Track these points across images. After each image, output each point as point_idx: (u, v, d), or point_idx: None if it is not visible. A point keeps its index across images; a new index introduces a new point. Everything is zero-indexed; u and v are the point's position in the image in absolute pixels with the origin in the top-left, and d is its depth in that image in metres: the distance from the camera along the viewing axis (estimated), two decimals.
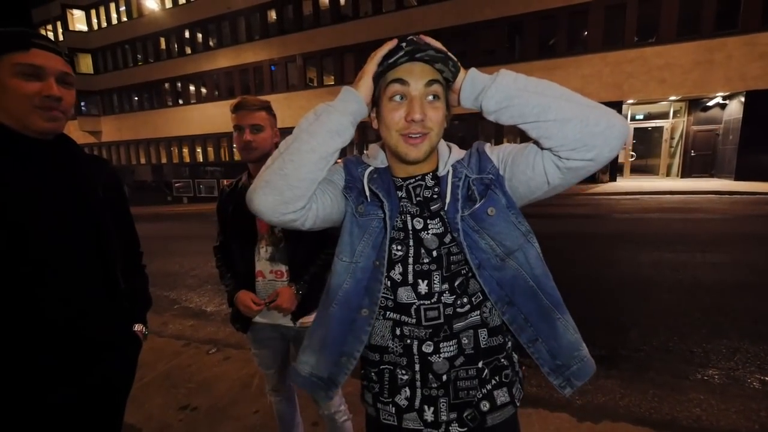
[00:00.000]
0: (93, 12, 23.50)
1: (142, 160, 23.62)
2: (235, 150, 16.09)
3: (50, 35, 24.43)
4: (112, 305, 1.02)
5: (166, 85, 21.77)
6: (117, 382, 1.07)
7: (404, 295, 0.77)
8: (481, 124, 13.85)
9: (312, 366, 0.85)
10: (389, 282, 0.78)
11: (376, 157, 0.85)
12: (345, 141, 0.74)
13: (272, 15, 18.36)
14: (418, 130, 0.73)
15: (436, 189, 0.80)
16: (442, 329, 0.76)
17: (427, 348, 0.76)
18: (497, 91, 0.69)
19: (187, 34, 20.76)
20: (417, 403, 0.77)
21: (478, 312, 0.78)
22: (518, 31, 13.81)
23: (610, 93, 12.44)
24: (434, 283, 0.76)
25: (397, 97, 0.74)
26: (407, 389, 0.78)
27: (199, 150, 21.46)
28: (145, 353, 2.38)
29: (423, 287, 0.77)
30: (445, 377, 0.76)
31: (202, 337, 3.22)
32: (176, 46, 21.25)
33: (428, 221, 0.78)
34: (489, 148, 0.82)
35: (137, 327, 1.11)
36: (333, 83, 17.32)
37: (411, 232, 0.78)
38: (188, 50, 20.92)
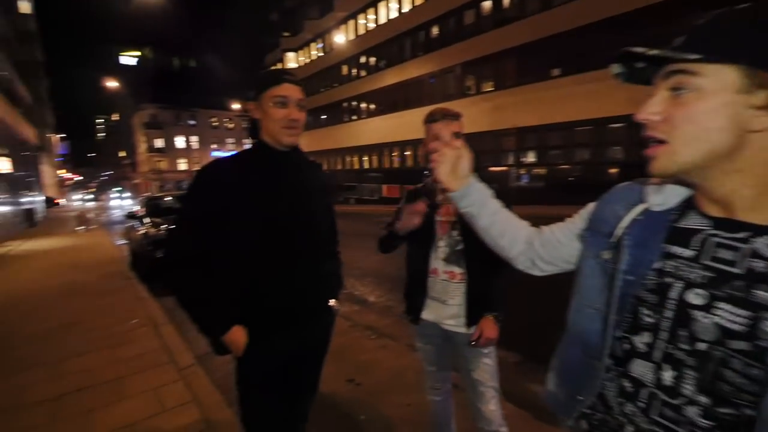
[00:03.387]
0: (300, 52, 30.26)
1: (324, 167, 28.75)
2: (406, 157, 17.35)
3: None
4: (318, 281, 1.28)
5: (344, 104, 25.89)
6: (319, 343, 1.36)
7: (640, 370, 0.60)
8: None
9: (554, 385, 0.81)
10: (628, 346, 0.62)
11: (662, 190, 0.62)
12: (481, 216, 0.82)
13: (434, 30, 19.34)
14: (650, 134, 0.54)
15: None
16: None
17: None
18: None
19: (362, 60, 24.15)
20: None
21: None
22: None
23: None
24: (684, 385, 0.54)
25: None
26: None
27: (365, 158, 24.57)
28: None
29: (667, 378, 0.56)
30: None
31: (365, 323, 3.65)
32: (354, 70, 25.03)
33: (720, 303, 0.51)
34: None
35: (332, 302, 1.35)
36: (492, 89, 16.88)
37: (674, 302, 0.56)
38: (362, 73, 24.31)
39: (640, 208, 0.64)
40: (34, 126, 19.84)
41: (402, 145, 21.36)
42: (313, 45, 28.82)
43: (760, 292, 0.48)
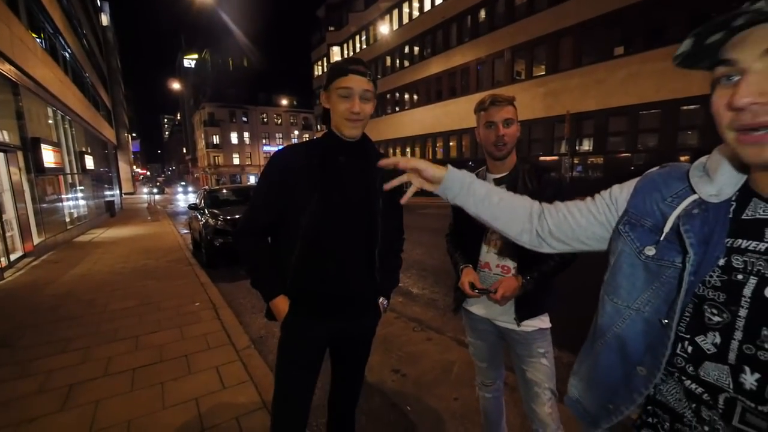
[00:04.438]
0: (345, 45, 30.56)
1: None
2: (450, 147, 17.15)
3: (319, 69, 33.60)
4: (369, 275, 1.27)
5: (388, 95, 25.79)
6: (360, 338, 1.36)
7: (714, 373, 0.54)
8: None
9: (579, 393, 0.77)
10: (691, 348, 0.57)
11: (713, 179, 0.58)
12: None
13: (482, 14, 18.49)
14: (760, 120, 0.47)
15: None
16: None
17: None
18: None
19: (407, 50, 23.84)
20: None
21: None
22: None
23: None
24: None
25: (728, 83, 0.50)
26: None
27: (408, 150, 24.41)
28: None
29: (750, 381, 0.51)
30: None
31: (409, 315, 3.65)
32: (398, 60, 24.81)
33: None
34: None
35: (381, 299, 1.33)
36: (543, 73, 15.84)
37: (749, 298, 0.52)
38: (406, 63, 24.00)
39: (690, 199, 0.60)
40: (113, 127, 22.24)
41: (446, 135, 20.89)
42: (357, 38, 28.95)
43: None
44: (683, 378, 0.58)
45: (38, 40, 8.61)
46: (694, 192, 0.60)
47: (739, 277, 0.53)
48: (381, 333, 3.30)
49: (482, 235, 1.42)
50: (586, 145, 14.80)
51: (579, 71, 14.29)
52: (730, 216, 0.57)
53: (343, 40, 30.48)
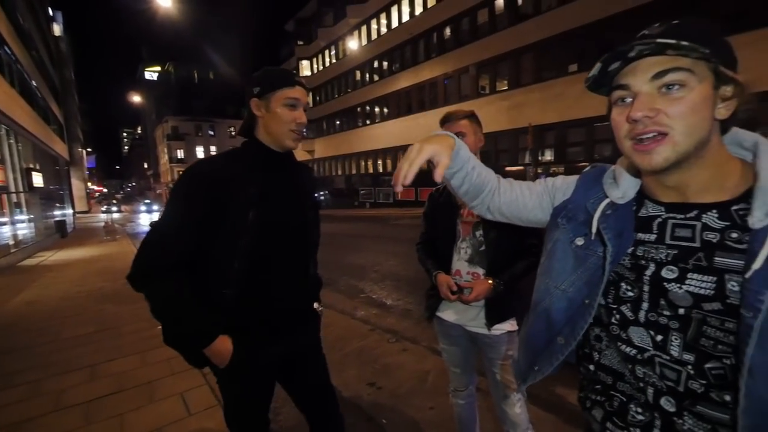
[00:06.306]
0: (314, 60, 30.74)
1: (339, 172, 29.05)
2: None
3: None
4: (308, 284, 1.26)
5: (359, 109, 26.07)
6: (310, 349, 1.32)
7: (638, 336, 0.65)
8: None
9: (517, 354, 0.90)
10: (619, 316, 0.68)
11: (618, 185, 0.71)
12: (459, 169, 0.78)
13: (447, 32, 19.26)
14: (649, 129, 0.58)
15: (735, 235, 0.57)
16: (689, 399, 0.60)
17: (668, 404, 0.62)
18: None
19: (376, 64, 24.31)
20: None
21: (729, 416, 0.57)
22: None
23: None
24: (672, 346, 0.60)
25: (623, 104, 0.62)
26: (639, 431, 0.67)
27: (380, 162, 24.65)
28: (343, 330, 2.78)
29: (657, 340, 0.63)
30: None
31: (384, 326, 3.64)
32: (368, 75, 25.21)
33: (690, 275, 0.59)
34: None
35: (316, 305, 1.32)
36: (507, 88, 16.65)
37: (649, 279, 0.63)
38: (376, 77, 24.44)
39: (605, 203, 0.72)
40: (65, 141, 20.90)
41: None
42: (326, 52, 29.19)
43: (718, 259, 0.57)
44: (619, 343, 0.69)
45: None
46: (607, 196, 0.72)
47: (642, 262, 0.65)
48: (356, 346, 3.27)
49: (453, 244, 1.46)
50: (548, 156, 15.60)
51: (539, 86, 15.13)
52: (634, 214, 0.69)
53: (312, 55, 30.65)
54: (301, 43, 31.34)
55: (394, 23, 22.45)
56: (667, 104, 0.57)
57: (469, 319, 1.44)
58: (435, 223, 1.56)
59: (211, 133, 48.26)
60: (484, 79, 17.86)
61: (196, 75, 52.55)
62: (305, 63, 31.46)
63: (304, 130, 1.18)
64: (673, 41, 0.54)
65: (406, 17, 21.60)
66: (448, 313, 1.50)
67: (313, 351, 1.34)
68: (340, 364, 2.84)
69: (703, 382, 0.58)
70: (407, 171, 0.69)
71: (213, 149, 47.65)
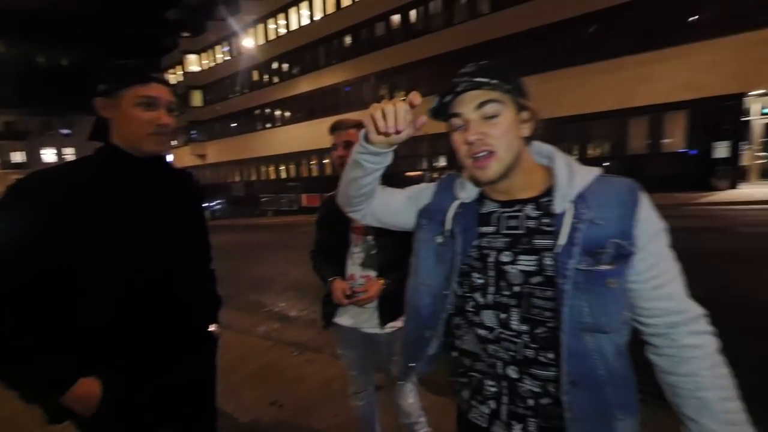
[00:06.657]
0: (203, 55, 27.93)
1: (237, 178, 26.88)
2: (324, 165, 17.29)
3: (172, 77, 29.64)
4: (195, 305, 1.10)
5: (257, 111, 24.60)
6: (202, 380, 1.16)
7: (488, 318, 0.77)
8: (562, 128, 12.80)
9: (400, 354, 0.96)
10: (472, 303, 0.80)
11: (464, 188, 0.85)
12: (365, 172, 0.83)
13: (347, 40, 19.65)
14: (480, 149, 0.73)
15: (546, 221, 0.73)
16: (526, 365, 0.74)
17: (512, 372, 0.76)
18: None
19: (275, 65, 23.32)
20: (504, 416, 0.78)
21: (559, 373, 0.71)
22: (608, 25, 12.60)
23: (729, 84, 10.52)
24: (512, 320, 0.74)
25: (460, 129, 0.76)
26: (493, 402, 0.79)
27: (282, 168, 23.66)
28: (242, 349, 2.56)
29: (501, 317, 0.76)
30: (531, 401, 0.74)
31: (287, 340, 3.47)
32: (266, 76, 24.01)
33: (519, 256, 0.74)
34: (646, 210, 0.70)
35: (212, 327, 1.17)
36: (404, 99, 17.73)
37: (492, 264, 0.77)
38: (275, 79, 23.45)
39: (455, 204, 0.84)
40: None
41: (320, 153, 21.09)
42: (218, 48, 26.85)
43: (537, 241, 0.73)
44: (474, 327, 0.80)
45: None
46: (457, 198, 0.85)
47: (486, 251, 0.78)
48: (257, 365, 3.04)
49: (347, 249, 1.49)
50: (443, 161, 17.16)
51: (434, 98, 16.58)
52: (477, 212, 0.83)
53: (200, 49, 27.88)
54: (186, 34, 28.18)
55: (293, 25, 21.95)
56: (489, 128, 0.73)
57: (364, 320, 1.48)
58: (330, 229, 1.56)
59: (66, 131, 38.64)
60: (383, 89, 18.72)
61: (42, 60, 42.52)
62: (192, 57, 28.40)
63: (172, 130, 1.02)
64: (487, 80, 0.70)
65: (306, 20, 21.31)
66: (344, 318, 1.52)
67: (204, 386, 1.17)
68: (238, 387, 2.60)
69: (534, 346, 0.72)
70: (397, 110, 0.79)
71: (69, 151, 38.08)
